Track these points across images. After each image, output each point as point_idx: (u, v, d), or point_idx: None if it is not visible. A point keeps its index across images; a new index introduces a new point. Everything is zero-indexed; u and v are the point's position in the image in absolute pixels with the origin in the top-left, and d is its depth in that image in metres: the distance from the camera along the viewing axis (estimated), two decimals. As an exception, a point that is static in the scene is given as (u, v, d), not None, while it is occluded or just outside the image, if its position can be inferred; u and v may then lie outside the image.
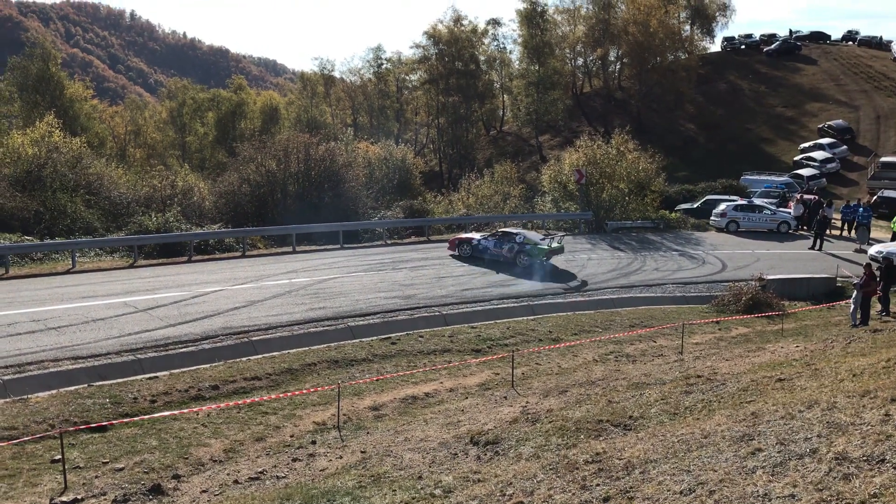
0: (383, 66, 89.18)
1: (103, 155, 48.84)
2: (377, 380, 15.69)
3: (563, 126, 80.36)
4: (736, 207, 38.19)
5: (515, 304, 22.65)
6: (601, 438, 9.61)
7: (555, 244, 27.82)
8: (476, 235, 29.57)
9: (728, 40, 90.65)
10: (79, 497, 10.13)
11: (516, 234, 28.31)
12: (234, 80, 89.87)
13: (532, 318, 21.69)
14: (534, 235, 28.48)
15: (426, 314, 21.01)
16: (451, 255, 29.35)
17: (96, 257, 29.01)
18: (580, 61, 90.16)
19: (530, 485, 7.78)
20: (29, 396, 13.91)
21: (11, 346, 16.29)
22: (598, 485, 7.36)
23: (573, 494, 7.25)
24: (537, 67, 78.51)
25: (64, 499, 10.06)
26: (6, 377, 14.57)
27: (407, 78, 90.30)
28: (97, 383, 14.81)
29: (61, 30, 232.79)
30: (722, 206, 38.72)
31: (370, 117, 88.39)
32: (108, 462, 11.35)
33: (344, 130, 57.94)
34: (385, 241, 34.36)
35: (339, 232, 32.98)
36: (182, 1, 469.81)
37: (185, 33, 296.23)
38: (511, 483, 7.97)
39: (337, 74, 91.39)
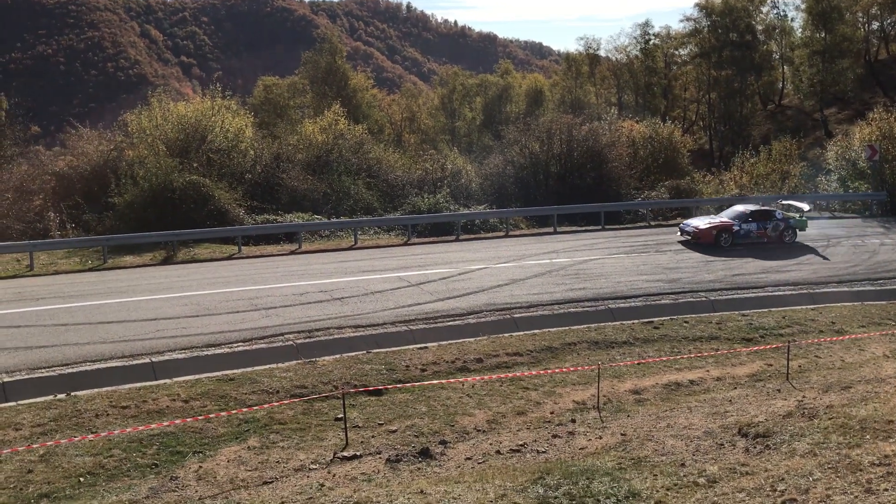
0: (651, 42, 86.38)
1: (382, 140, 52.47)
2: (638, 363, 15.37)
3: (854, 97, 72.73)
4: None
5: (792, 292, 20.94)
6: (891, 441, 8.62)
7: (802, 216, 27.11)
8: (726, 220, 26.42)
9: None
10: (358, 454, 11.04)
11: (773, 210, 26.81)
12: (501, 65, 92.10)
13: (812, 307, 19.93)
14: (786, 209, 27.56)
15: (692, 299, 20.15)
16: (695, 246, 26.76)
17: (375, 235, 31.35)
18: (875, 25, 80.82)
19: (805, 482, 7.20)
20: (316, 359, 15.42)
21: (303, 314, 18.14)
22: (886, 489, 6.62)
23: (856, 497, 6.60)
24: (823, 34, 71.65)
25: (345, 454, 11.02)
26: (298, 341, 16.27)
27: (676, 53, 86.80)
28: (374, 350, 16.04)
29: (346, 25, 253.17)
30: None
31: (635, 95, 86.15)
32: (382, 424, 12.25)
33: (608, 110, 57.07)
34: (648, 222, 33.45)
35: (601, 213, 32.64)
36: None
37: (455, 22, 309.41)
38: (783, 479, 7.43)
39: (602, 53, 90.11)
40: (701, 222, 26.74)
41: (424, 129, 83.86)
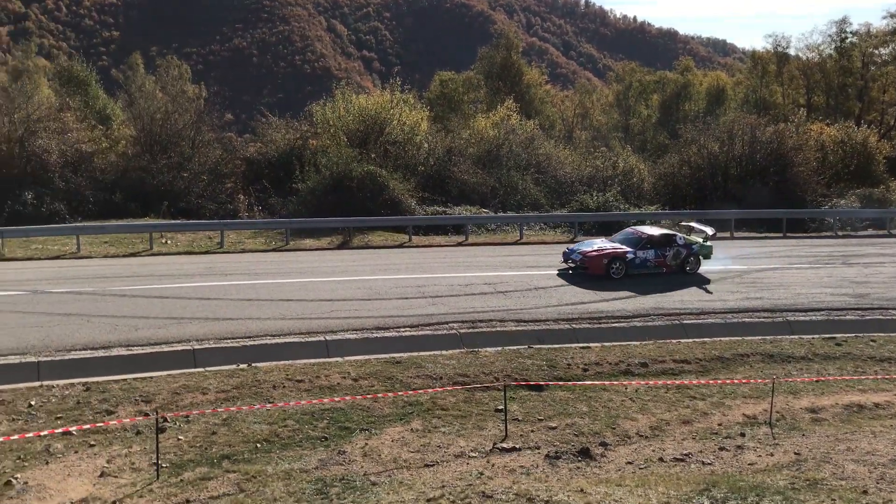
0: (847, 41, 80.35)
1: (552, 136, 52.14)
2: (817, 381, 14.43)
3: None
4: None
5: None
6: None
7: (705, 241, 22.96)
8: (619, 247, 22.27)
9: None
10: (517, 446, 11.12)
11: (674, 235, 22.85)
12: (681, 62, 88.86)
13: None
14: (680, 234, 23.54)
15: (881, 317, 18.67)
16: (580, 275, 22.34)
17: (541, 231, 31.31)
18: None
19: None
20: (479, 350, 15.64)
21: (467, 304, 18.44)
22: None
23: None
24: None
25: (504, 445, 11.13)
26: (462, 330, 16.57)
27: (876, 52, 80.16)
28: (536, 346, 16.06)
29: (523, 21, 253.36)
30: None
31: (827, 97, 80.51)
32: (542, 419, 12.25)
33: (795, 111, 53.81)
34: (835, 232, 31.26)
35: (783, 220, 30.86)
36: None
37: (634, 17, 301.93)
38: None
39: (792, 52, 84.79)
40: (589, 248, 22.48)
41: (597, 125, 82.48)
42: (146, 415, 11.63)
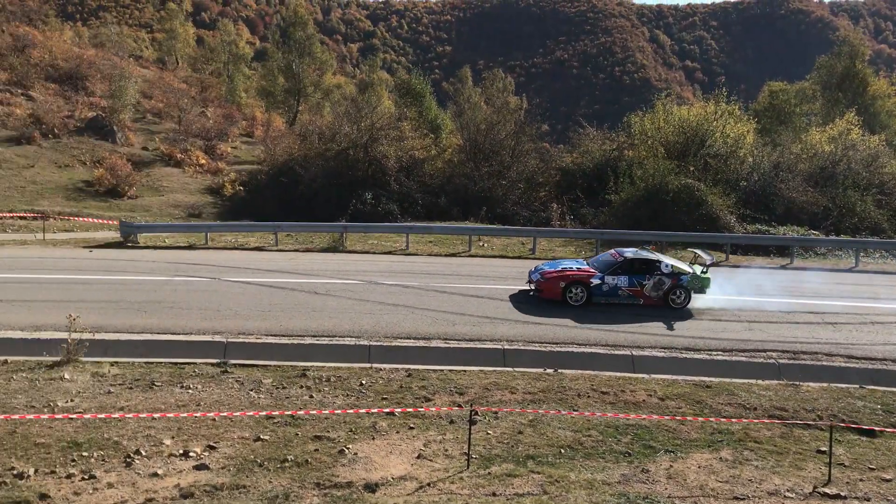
0: None
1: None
2: None
3: None
4: None
5: None
6: None
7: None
8: (584, 269, 19.34)
9: None
10: (842, 494, 10.07)
11: (658, 261, 19.10)
12: None
13: None
14: (677, 261, 19.91)
15: None
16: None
17: (881, 259, 28.01)
18: None
19: None
20: (800, 383, 14.43)
21: (788, 333, 17.09)
22: None
23: None
24: None
25: (827, 491, 10.14)
26: (781, 360, 15.40)
27: None
28: (869, 386, 14.43)
29: (870, 26, 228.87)
30: None
31: None
32: (874, 469, 10.95)
33: None
34: None
35: None
36: None
37: None
38: None
39: None
40: (553, 269, 19.57)
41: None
42: (459, 406, 12.37)
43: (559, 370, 14.70)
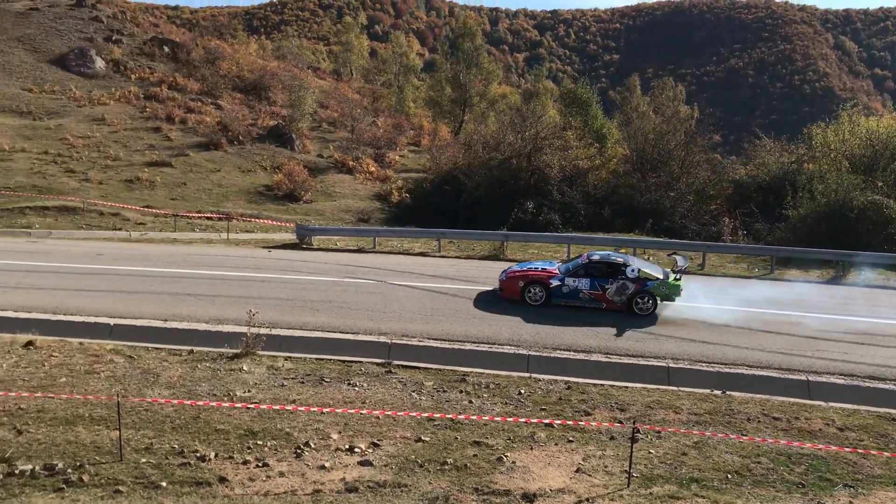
0: None
1: None
2: None
3: None
4: None
5: None
6: None
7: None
8: (547, 269, 19.44)
9: None
10: None
11: (624, 265, 18.71)
12: None
13: None
14: (647, 265, 19.56)
15: None
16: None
17: None
18: None
19: None
20: None
21: None
22: None
23: None
24: None
25: None
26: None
27: None
28: None
29: None
30: None
31: None
32: None
33: None
34: None
35: None
36: None
37: None
38: None
39: None
40: (519, 269, 19.91)
41: None
42: (620, 422, 12.11)
43: (727, 392, 14.05)
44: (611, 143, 45.85)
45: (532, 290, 19.01)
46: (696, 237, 32.02)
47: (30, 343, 14.86)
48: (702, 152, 38.20)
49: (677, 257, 20.07)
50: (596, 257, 19.23)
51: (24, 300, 18.02)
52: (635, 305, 18.48)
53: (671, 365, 15.11)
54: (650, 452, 11.18)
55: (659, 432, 11.87)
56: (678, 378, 14.74)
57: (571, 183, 36.78)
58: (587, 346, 15.92)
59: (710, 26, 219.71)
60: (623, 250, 25.15)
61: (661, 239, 30.10)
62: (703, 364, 15.24)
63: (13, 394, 12.04)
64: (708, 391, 14.09)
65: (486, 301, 19.33)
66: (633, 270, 18.55)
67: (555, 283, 18.90)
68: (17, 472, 9.71)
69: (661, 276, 18.60)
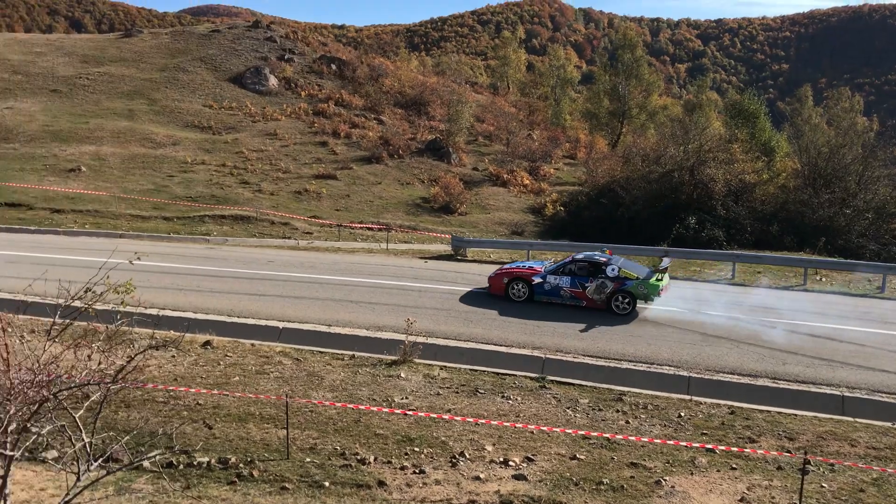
0: None
1: None
2: None
3: None
4: None
5: None
6: None
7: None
8: (532, 267, 20.39)
9: None
10: None
11: (604, 264, 18.93)
12: None
13: None
14: (632, 265, 19.80)
15: None
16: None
17: None
18: None
19: None
20: None
21: None
22: None
23: None
24: None
25: None
26: None
27: None
28: None
29: None
30: None
31: None
32: None
33: None
34: None
35: None
36: None
37: None
38: None
39: None
40: (509, 267, 21.11)
41: None
42: (789, 452, 11.42)
43: (911, 426, 12.93)
44: (779, 156, 43.53)
45: (515, 287, 19.92)
46: (876, 257, 29.74)
47: (207, 343, 15.93)
48: (882, 167, 35.50)
49: (665, 259, 20.74)
50: (580, 256, 19.91)
51: (202, 302, 19.34)
52: (614, 304, 18.88)
53: (846, 394, 14.08)
54: (822, 486, 10.45)
55: (832, 465, 11.08)
56: (854, 408, 13.71)
57: (737, 198, 35.20)
58: (753, 371, 15.13)
59: (893, 31, 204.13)
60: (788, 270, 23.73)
61: (834, 259, 28.20)
62: (884, 395, 14.10)
63: (193, 390, 12.93)
64: (889, 424, 13.01)
65: (644, 320, 18.80)
66: (612, 269, 19.09)
67: (537, 279, 19.72)
68: (195, 462, 10.41)
69: (640, 276, 18.98)
